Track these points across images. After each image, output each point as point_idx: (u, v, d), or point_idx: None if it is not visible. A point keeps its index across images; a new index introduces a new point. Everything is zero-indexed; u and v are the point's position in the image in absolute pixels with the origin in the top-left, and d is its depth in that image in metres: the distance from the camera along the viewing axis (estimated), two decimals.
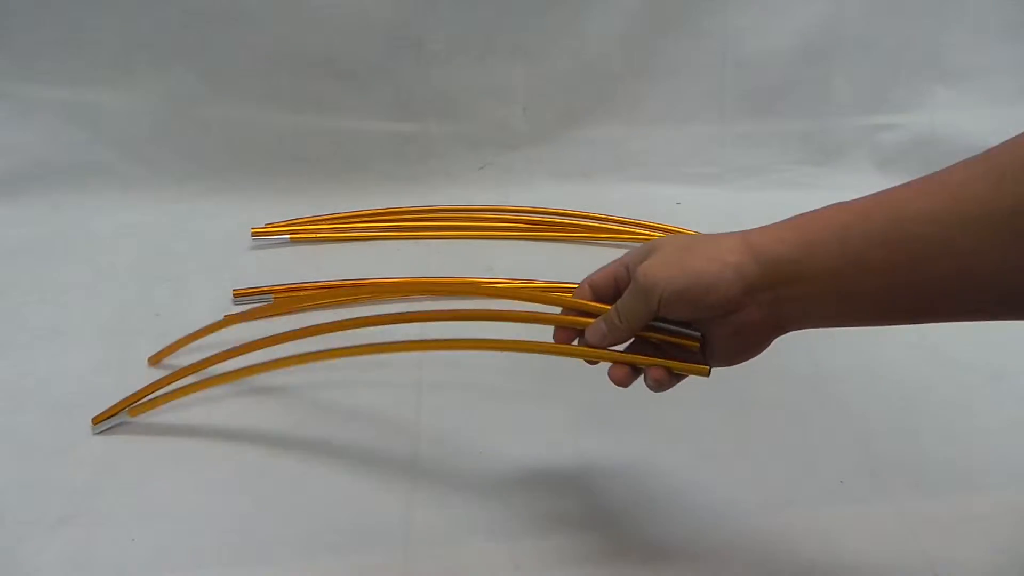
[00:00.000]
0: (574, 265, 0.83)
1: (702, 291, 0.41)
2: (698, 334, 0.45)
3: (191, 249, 0.83)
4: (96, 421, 0.61)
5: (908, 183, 0.39)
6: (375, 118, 0.92)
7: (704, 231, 0.86)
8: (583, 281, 0.50)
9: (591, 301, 0.48)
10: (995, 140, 0.37)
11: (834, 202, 0.40)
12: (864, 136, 1.00)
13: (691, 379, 0.54)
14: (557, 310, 0.50)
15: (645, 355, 0.47)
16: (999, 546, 0.56)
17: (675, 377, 0.47)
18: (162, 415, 0.63)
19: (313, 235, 0.86)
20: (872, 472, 0.61)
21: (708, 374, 0.46)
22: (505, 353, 0.53)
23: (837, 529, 0.57)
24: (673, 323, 0.45)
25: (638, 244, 0.86)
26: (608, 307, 0.47)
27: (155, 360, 0.68)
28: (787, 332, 0.43)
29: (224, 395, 0.66)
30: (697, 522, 0.57)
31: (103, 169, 0.89)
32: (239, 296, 0.76)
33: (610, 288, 0.48)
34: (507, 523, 0.56)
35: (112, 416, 0.61)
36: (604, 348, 0.48)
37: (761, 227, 0.42)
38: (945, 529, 0.57)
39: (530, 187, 0.94)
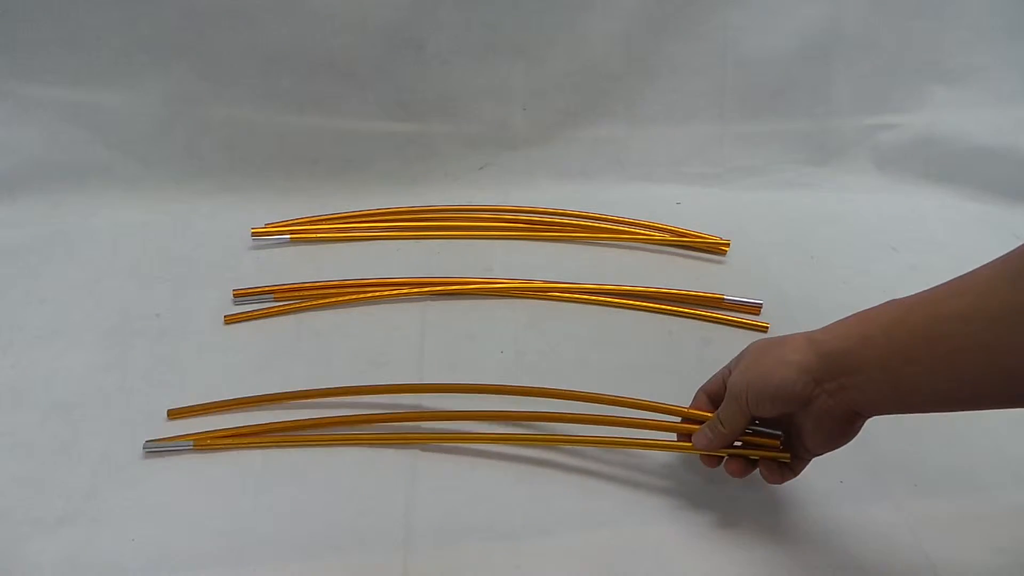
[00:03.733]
0: (574, 265, 0.84)
1: (775, 389, 0.48)
2: (779, 433, 0.53)
3: (191, 249, 0.83)
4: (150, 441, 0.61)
5: (948, 282, 0.43)
6: (375, 118, 0.92)
7: (704, 231, 0.88)
8: (699, 390, 0.57)
9: (706, 409, 0.56)
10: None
11: (887, 300, 0.46)
12: (864, 136, 1.00)
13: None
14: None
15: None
16: (999, 546, 0.56)
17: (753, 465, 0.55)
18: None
19: (313, 235, 0.86)
20: (872, 472, 0.61)
21: (788, 458, 0.54)
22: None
23: (837, 529, 0.57)
24: (764, 425, 0.53)
25: (637, 244, 0.87)
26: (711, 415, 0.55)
27: (174, 416, 0.64)
28: (863, 419, 0.48)
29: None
30: (697, 522, 0.57)
31: (103, 169, 0.89)
32: (239, 296, 0.76)
33: (722, 392, 0.54)
34: (507, 523, 0.57)
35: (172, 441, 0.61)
36: (712, 451, 0.55)
37: (826, 326, 0.48)
38: (945, 529, 0.57)
39: (530, 187, 0.94)
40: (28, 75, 0.85)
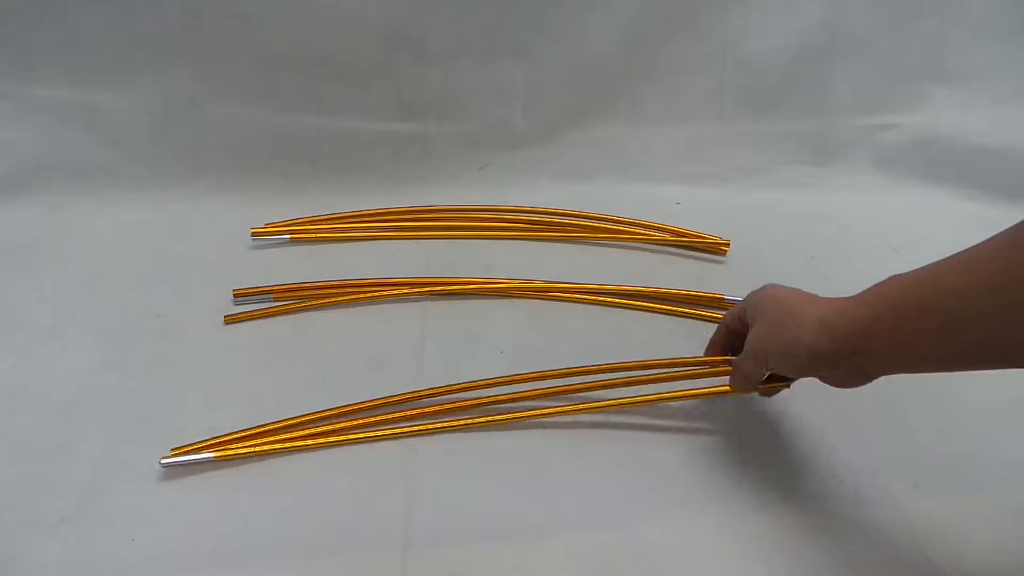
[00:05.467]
0: (574, 265, 0.84)
1: (791, 363, 0.53)
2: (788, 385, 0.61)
3: (191, 249, 0.83)
4: (174, 453, 0.58)
5: (948, 258, 0.45)
6: (375, 118, 0.92)
7: (704, 231, 0.88)
8: (721, 324, 0.64)
9: (724, 339, 0.63)
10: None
11: (892, 275, 0.48)
12: (864, 136, 1.00)
13: None
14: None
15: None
16: (999, 546, 0.56)
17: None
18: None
19: (313, 235, 0.86)
20: (872, 472, 0.61)
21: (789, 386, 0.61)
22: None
23: (837, 529, 0.57)
24: None
25: (637, 244, 0.87)
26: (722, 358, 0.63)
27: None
28: (876, 378, 0.51)
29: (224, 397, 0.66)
30: (697, 522, 0.57)
31: (103, 169, 0.89)
32: (239, 296, 0.76)
33: (739, 328, 0.59)
34: (507, 523, 0.57)
35: (191, 453, 0.59)
36: (744, 393, 0.61)
37: (837, 302, 0.50)
38: (945, 529, 0.57)
39: (530, 187, 0.94)
40: (28, 75, 0.85)
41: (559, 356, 0.71)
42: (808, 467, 0.62)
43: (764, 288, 0.57)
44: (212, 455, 0.59)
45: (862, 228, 0.93)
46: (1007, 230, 0.43)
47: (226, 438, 0.60)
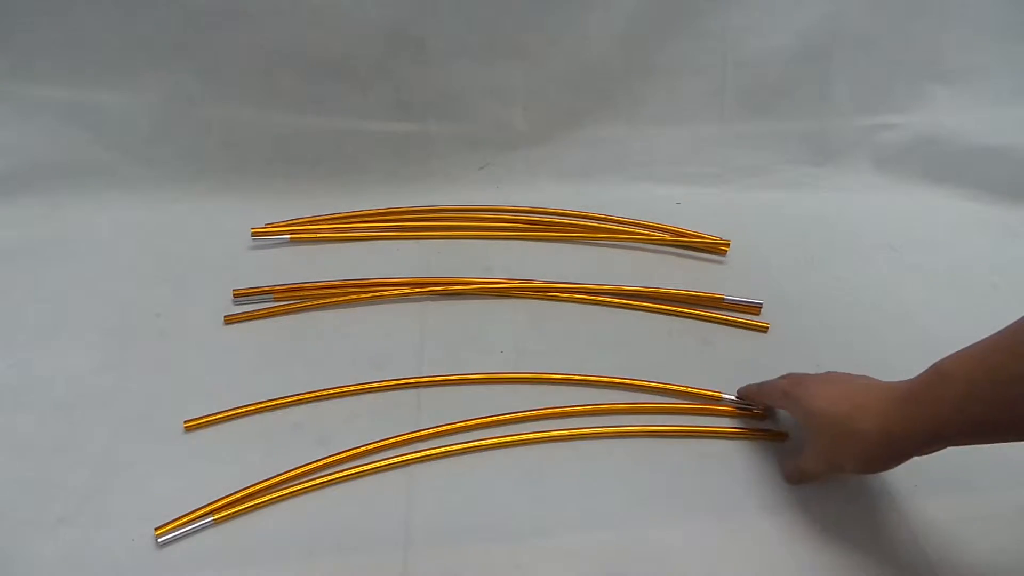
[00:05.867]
0: (574, 265, 0.84)
1: (873, 470, 0.54)
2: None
3: (191, 249, 0.83)
4: (160, 532, 0.54)
5: (980, 341, 0.46)
6: (375, 118, 0.92)
7: (704, 231, 0.88)
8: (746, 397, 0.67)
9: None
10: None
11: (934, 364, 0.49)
12: (864, 136, 1.00)
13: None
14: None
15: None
16: (999, 546, 0.56)
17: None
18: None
19: (313, 235, 0.86)
20: (872, 472, 0.61)
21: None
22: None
23: (838, 529, 0.57)
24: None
25: (637, 244, 0.87)
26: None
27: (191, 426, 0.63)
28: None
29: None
30: (697, 522, 0.57)
31: (103, 169, 0.89)
32: (239, 296, 0.76)
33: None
34: (507, 524, 0.57)
35: (189, 522, 0.55)
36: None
37: (894, 400, 0.49)
38: (945, 529, 0.57)
39: (530, 187, 0.94)
40: (28, 75, 0.85)
41: (559, 356, 0.71)
42: None
43: (797, 399, 0.57)
44: (212, 519, 0.55)
45: (862, 228, 0.93)
46: None
47: (221, 501, 0.57)
